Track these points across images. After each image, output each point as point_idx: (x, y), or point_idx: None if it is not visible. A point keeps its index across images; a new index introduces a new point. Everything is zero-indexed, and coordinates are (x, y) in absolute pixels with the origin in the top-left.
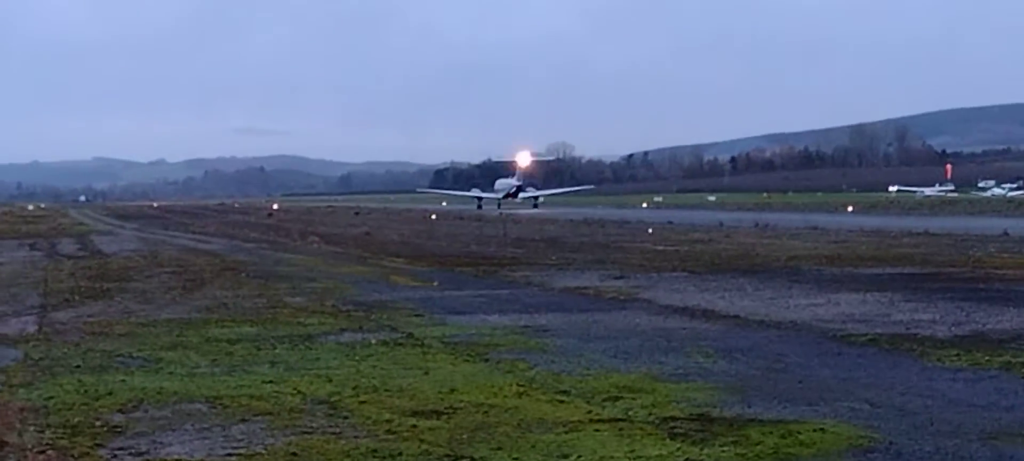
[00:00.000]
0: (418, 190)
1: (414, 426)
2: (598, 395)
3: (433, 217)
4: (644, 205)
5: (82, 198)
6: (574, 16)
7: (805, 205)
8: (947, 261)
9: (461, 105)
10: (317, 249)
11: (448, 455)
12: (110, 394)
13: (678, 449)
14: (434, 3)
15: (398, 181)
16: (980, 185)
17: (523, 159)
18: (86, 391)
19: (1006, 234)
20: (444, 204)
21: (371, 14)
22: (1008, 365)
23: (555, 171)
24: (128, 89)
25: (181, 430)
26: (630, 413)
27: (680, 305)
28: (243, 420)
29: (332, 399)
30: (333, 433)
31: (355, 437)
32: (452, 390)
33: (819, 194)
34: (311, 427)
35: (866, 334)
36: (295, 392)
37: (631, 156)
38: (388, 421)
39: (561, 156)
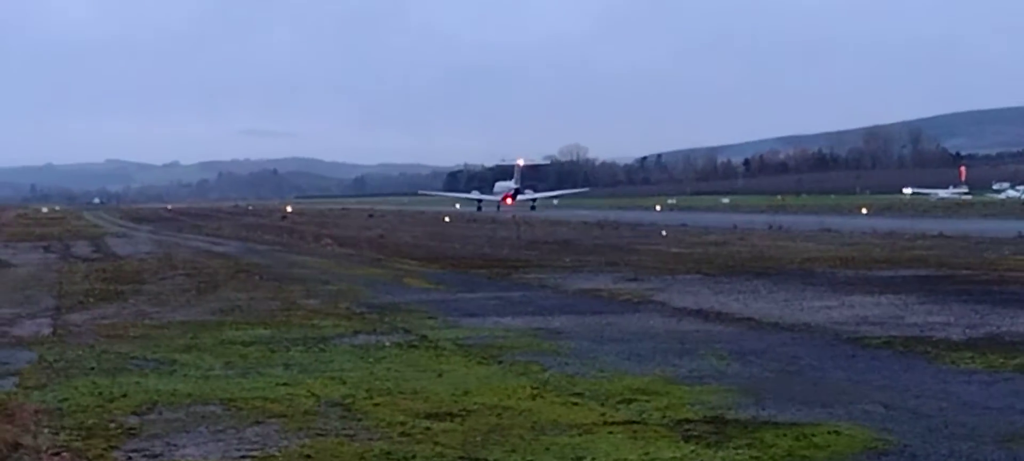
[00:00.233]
0: (420, 193)
1: (428, 428)
2: (612, 397)
3: (446, 219)
4: (657, 208)
5: (96, 200)
6: (587, 18)
7: (819, 207)
8: (962, 263)
9: (473, 108)
10: (331, 251)
11: (462, 457)
12: (124, 396)
13: (692, 451)
14: (444, 5)
15: (412, 183)
16: (995, 187)
17: (522, 164)
18: (100, 393)
19: (1021, 236)
20: (457, 206)
21: (380, 16)
22: (1023, 368)
23: (569, 173)
24: (140, 91)
25: (195, 432)
26: (644, 415)
27: (694, 307)
28: (257, 422)
29: (346, 401)
30: (347, 435)
31: (369, 439)
32: (466, 392)
33: (833, 196)
34: (325, 429)
35: (880, 336)
36: (309, 394)
37: (645, 158)
38: (402, 423)
39: (575, 159)
